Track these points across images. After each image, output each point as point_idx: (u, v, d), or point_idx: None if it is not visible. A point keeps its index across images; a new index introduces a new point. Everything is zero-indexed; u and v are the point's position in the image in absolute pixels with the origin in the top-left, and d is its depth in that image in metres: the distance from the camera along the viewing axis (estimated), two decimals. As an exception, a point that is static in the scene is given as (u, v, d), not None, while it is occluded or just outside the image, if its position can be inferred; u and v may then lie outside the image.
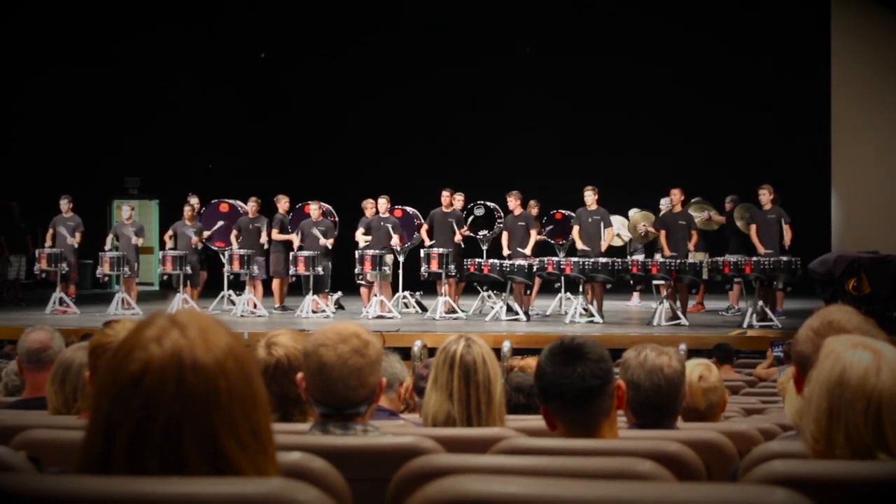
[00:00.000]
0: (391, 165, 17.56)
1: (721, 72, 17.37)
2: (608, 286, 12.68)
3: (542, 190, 14.71)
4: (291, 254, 12.95)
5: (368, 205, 13.29)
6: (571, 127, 17.90)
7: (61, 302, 13.20)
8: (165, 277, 13.90)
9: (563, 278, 12.54)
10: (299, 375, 2.65)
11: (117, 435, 1.34)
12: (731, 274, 11.93)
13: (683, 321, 11.85)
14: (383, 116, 18.36)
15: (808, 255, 11.77)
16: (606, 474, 2.01)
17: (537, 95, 18.10)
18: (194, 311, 1.44)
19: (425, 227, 13.33)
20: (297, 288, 13.41)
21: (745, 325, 11.54)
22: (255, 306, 13.05)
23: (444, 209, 13.20)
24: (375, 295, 12.75)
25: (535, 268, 12.38)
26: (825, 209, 14.61)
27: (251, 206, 13.72)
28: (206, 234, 13.87)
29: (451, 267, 12.60)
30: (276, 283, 13.73)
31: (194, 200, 14.11)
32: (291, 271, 12.85)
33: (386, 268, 12.88)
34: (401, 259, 13.66)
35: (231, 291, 13.96)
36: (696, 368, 3.56)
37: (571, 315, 12.27)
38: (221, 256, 13.69)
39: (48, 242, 13.67)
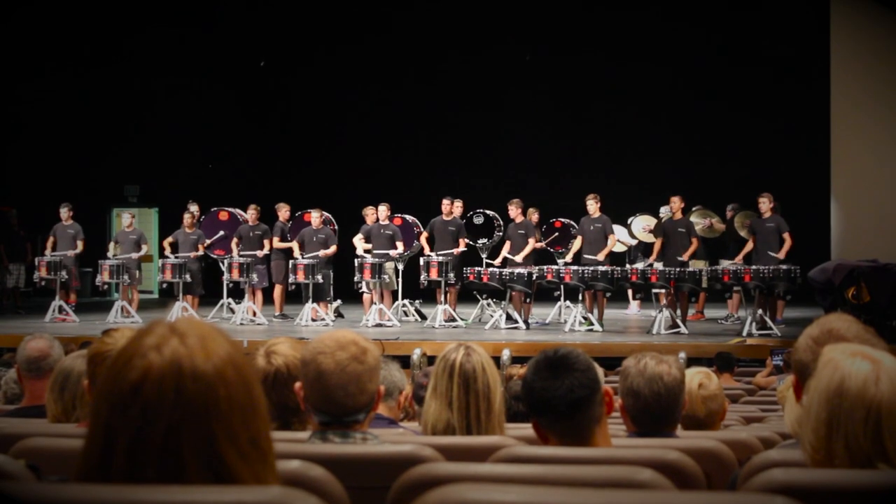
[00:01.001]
0: (391, 173, 17.58)
1: (721, 77, 17.37)
2: (608, 294, 12.68)
3: (543, 195, 14.72)
4: (291, 262, 12.95)
5: (369, 212, 13.29)
6: (571, 133, 17.91)
7: (61, 310, 13.20)
8: (165, 285, 13.89)
9: (562, 286, 12.53)
10: (297, 385, 2.65)
11: (116, 443, 1.34)
12: (731, 282, 11.93)
13: (683, 329, 11.84)
14: (384, 124, 18.37)
15: (807, 264, 11.76)
16: (606, 483, 2.00)
17: (537, 102, 18.11)
18: (194, 319, 1.44)
19: (425, 234, 13.33)
20: (296, 296, 13.41)
21: (744, 333, 11.53)
22: (254, 314, 13.05)
23: (444, 217, 13.20)
24: (374, 303, 12.74)
25: (534, 276, 12.38)
26: (825, 217, 14.61)
27: (251, 214, 13.72)
28: (207, 242, 13.88)
29: (451, 275, 12.59)
30: (276, 291, 13.73)
31: (194, 208, 14.12)
32: (291, 279, 12.84)
33: (386, 276, 12.89)
34: (400, 267, 13.66)
35: (231, 299, 13.96)
36: (696, 376, 3.56)
37: (571, 323, 12.27)
38: (221, 265, 13.70)
39: (48, 250, 13.68)
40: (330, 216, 14.19)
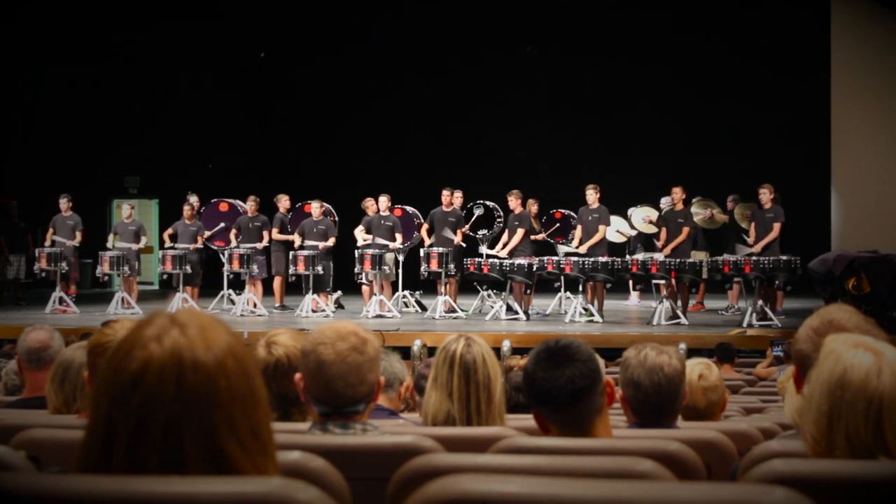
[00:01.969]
0: (391, 164, 17.57)
1: (722, 72, 17.37)
2: (608, 285, 12.68)
3: (543, 187, 14.71)
4: (291, 253, 12.95)
5: (369, 203, 13.29)
6: (571, 126, 17.90)
7: (61, 301, 13.20)
8: (165, 277, 13.90)
9: (562, 277, 12.54)
10: (297, 376, 2.65)
11: (117, 434, 1.34)
12: (731, 273, 11.92)
13: (683, 320, 11.84)
14: (384, 115, 18.35)
15: (807, 255, 11.76)
16: (606, 473, 2.00)
17: (538, 95, 18.10)
18: (194, 310, 1.43)
19: (425, 226, 13.33)
20: (296, 287, 13.42)
21: (744, 324, 11.54)
22: (254, 305, 13.05)
23: (444, 208, 13.20)
24: (375, 294, 12.75)
25: (534, 267, 12.38)
26: (825, 208, 14.61)
27: (250, 205, 13.72)
28: (207, 233, 13.89)
29: (451, 266, 12.59)
30: (276, 283, 13.73)
31: (194, 199, 14.11)
32: (291, 270, 12.84)
33: (386, 267, 12.89)
34: (400, 258, 13.66)
35: (231, 291, 13.96)
36: (696, 367, 3.56)
37: (571, 314, 12.27)
38: (221, 256, 13.70)
39: (48, 242, 13.68)
40: (330, 207, 14.18)
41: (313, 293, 12.83)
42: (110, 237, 13.88)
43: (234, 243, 13.54)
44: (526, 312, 12.59)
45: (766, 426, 3.51)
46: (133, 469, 1.33)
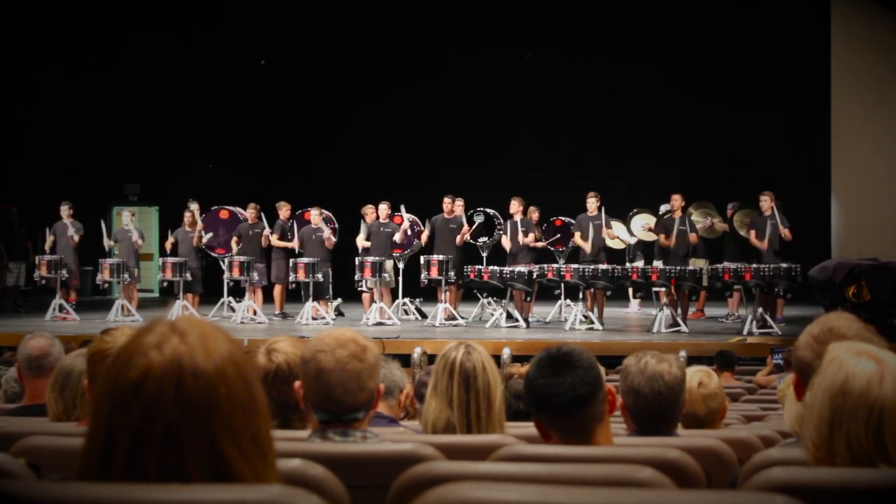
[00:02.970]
0: (391, 171, 17.56)
1: (722, 76, 17.35)
2: (608, 293, 12.68)
3: (544, 194, 14.71)
4: (292, 260, 12.95)
5: (369, 211, 13.30)
6: (572, 131, 17.89)
7: (61, 308, 13.20)
8: (165, 284, 13.89)
9: (563, 285, 12.54)
10: (297, 384, 2.65)
11: (117, 441, 1.33)
12: (731, 281, 11.92)
13: (683, 328, 11.84)
14: (383, 122, 18.35)
15: (808, 262, 11.76)
16: (606, 481, 2.00)
17: (538, 99, 18.11)
18: (194, 317, 1.44)
19: (426, 233, 13.33)
20: (296, 294, 13.42)
21: (744, 331, 11.53)
22: (254, 313, 13.05)
23: (445, 216, 13.20)
24: (375, 301, 12.75)
25: (535, 274, 12.38)
26: (825, 216, 14.60)
27: (250, 213, 13.74)
28: (207, 236, 13.86)
29: (452, 274, 12.59)
30: (277, 290, 13.73)
31: (194, 207, 14.12)
32: (291, 278, 12.84)
33: (386, 275, 12.89)
34: (401, 266, 13.66)
35: (231, 298, 13.96)
36: (696, 375, 3.56)
37: (571, 322, 12.27)
38: (221, 263, 13.69)
39: (47, 248, 13.67)
40: (330, 214, 14.19)
41: (313, 301, 12.83)
42: (107, 243, 13.77)
43: (234, 251, 13.54)
44: (526, 320, 12.58)
45: (767, 434, 3.51)
46: (133, 476, 1.32)
